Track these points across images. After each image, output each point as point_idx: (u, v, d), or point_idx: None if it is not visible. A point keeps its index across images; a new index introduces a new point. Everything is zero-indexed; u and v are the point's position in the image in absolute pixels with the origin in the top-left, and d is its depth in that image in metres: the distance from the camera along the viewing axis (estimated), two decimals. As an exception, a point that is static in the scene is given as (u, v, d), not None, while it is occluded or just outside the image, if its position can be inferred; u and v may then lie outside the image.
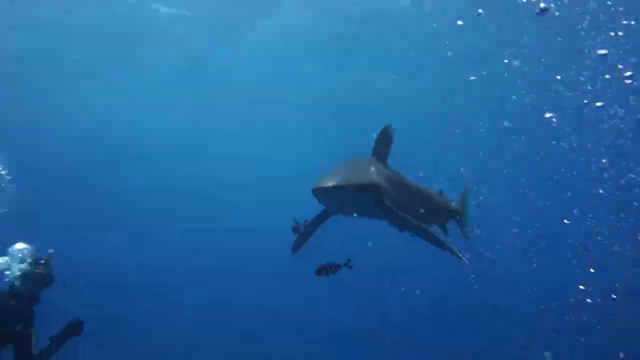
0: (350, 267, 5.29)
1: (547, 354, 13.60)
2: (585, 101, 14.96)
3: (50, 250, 4.92)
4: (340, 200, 5.18)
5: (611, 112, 14.70)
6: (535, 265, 17.26)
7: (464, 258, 5.47)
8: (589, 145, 16.46)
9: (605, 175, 15.04)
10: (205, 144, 24.44)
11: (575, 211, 15.88)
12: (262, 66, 19.97)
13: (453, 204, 7.42)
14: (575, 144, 16.98)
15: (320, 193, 5.08)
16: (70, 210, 21.35)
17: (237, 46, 18.90)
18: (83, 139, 22.35)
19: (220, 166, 24.63)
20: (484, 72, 16.42)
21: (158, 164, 24.03)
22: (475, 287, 15.23)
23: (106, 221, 21.55)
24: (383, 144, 6.08)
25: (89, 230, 20.79)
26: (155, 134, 23.16)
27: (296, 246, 6.25)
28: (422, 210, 6.04)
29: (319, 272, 5.36)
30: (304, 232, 5.96)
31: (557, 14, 12.87)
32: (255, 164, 24.89)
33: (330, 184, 4.94)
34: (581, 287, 13.14)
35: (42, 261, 4.84)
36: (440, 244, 5.59)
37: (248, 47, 18.92)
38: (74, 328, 5.06)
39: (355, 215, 5.72)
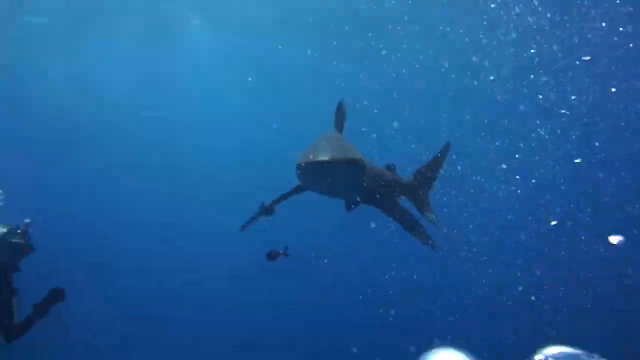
0: (286, 255, 5.79)
1: None
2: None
3: (27, 220, 5.05)
4: (325, 175, 4.97)
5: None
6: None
7: (433, 244, 5.46)
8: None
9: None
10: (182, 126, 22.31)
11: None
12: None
13: (405, 179, 7.02)
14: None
15: (308, 168, 4.88)
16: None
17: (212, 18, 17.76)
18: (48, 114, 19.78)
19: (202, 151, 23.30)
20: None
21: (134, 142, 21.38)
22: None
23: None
24: (341, 118, 6.37)
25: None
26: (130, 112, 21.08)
27: (248, 224, 6.37)
28: (379, 185, 6.03)
29: (269, 255, 5.82)
30: (265, 210, 6.19)
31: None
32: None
33: (322, 158, 4.73)
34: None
35: (19, 231, 5.01)
36: (412, 225, 5.57)
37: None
38: (56, 295, 5.20)
39: (327, 193, 5.67)
